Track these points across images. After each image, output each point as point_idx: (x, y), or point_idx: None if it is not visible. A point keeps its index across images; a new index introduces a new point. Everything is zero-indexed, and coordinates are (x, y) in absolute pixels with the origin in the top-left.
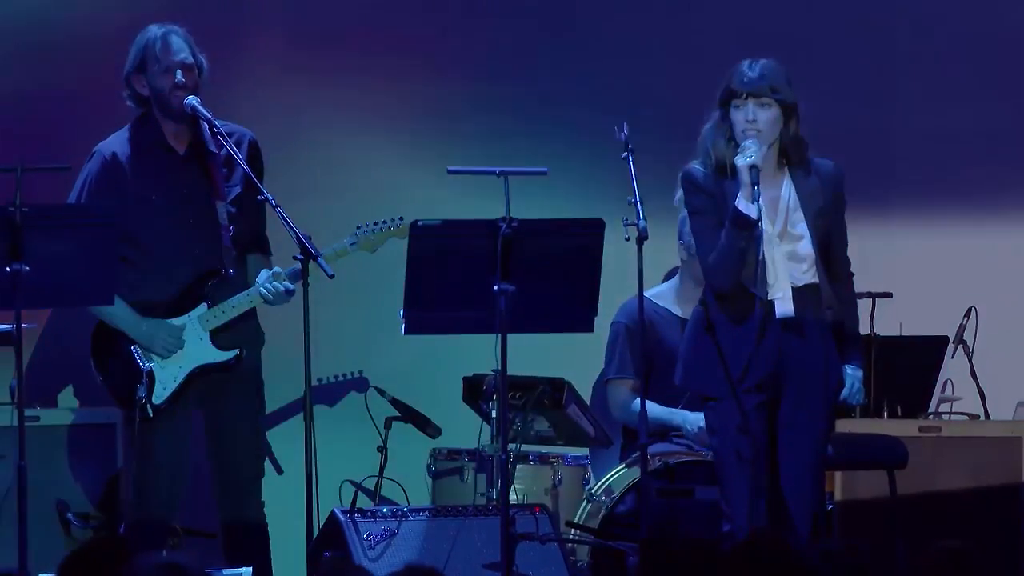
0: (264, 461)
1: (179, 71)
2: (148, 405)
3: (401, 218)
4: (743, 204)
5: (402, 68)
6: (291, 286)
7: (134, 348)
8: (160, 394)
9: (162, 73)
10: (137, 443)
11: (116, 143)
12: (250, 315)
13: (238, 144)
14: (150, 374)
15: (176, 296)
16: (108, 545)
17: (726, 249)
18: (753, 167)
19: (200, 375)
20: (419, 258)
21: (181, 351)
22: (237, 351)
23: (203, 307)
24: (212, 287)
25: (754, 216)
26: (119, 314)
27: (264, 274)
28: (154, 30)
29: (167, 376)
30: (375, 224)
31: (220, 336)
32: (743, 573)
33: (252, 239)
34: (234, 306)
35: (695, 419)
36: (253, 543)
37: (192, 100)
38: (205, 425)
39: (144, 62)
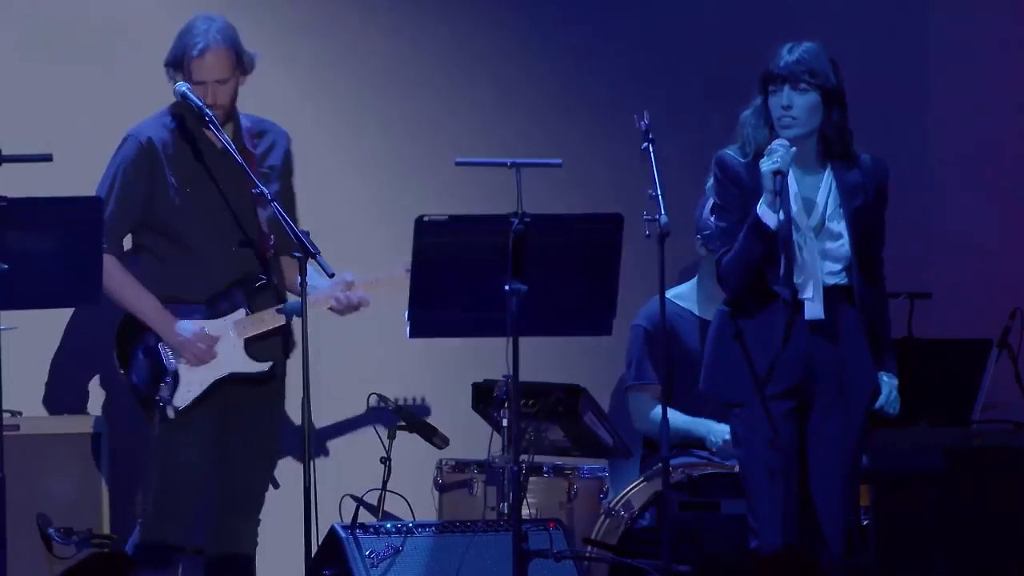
0: (270, 478)
1: (209, 90)
2: (169, 407)
3: None
4: (764, 211)
5: (408, 56)
6: (365, 296)
7: (162, 345)
8: (184, 397)
9: (193, 84)
10: (156, 447)
11: (152, 127)
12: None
13: (275, 144)
14: (175, 374)
15: (211, 298)
16: (105, 562)
17: (740, 254)
18: (778, 173)
19: (227, 383)
20: (425, 256)
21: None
22: (271, 363)
23: (241, 313)
24: (251, 292)
25: (773, 226)
26: (151, 314)
27: (324, 283)
28: (193, 37)
29: (194, 379)
30: None
31: (254, 345)
32: None
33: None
34: (274, 316)
35: (720, 431)
36: (236, 570)
37: (183, 87)
38: (218, 432)
39: (180, 63)
